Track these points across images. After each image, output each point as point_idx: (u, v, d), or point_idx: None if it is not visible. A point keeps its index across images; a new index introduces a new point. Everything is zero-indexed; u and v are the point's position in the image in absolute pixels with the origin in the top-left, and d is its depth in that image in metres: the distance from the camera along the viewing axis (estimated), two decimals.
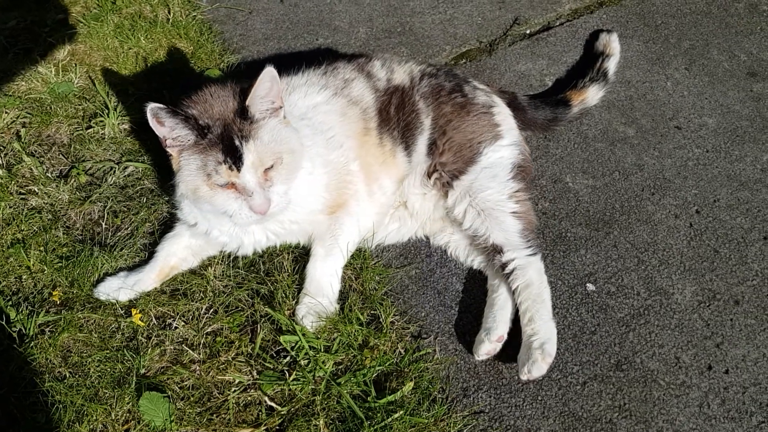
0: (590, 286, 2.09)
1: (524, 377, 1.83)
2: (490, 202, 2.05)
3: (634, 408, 1.82)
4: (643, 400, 1.84)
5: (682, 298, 2.05)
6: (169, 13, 3.01)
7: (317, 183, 1.96)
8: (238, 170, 1.72)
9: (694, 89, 2.68)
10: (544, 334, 1.86)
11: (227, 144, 1.72)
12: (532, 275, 1.97)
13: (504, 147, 2.13)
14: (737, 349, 1.94)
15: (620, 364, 1.91)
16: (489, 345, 1.88)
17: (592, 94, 2.53)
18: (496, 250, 2.02)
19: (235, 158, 1.71)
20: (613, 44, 2.69)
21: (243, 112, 1.75)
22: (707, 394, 1.85)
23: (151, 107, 1.70)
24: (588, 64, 2.66)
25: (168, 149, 1.79)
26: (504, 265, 2.00)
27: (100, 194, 2.27)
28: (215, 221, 1.92)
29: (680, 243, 2.19)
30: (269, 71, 1.73)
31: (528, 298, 1.93)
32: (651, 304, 2.04)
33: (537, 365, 1.80)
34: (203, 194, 1.78)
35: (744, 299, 2.04)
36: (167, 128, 1.74)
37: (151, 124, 1.73)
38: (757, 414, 1.81)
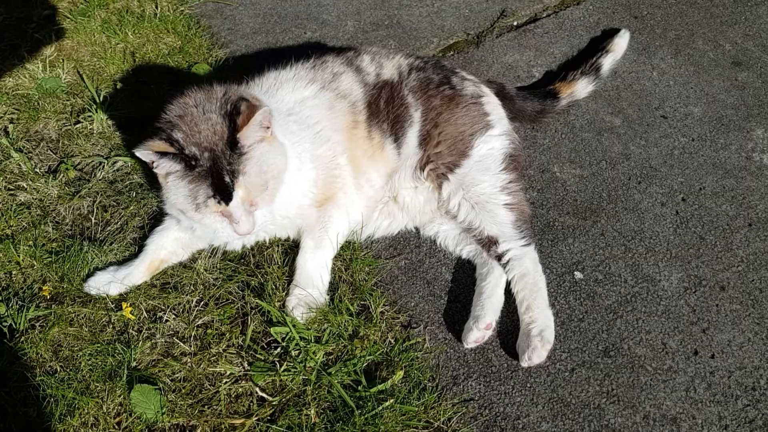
0: (578, 274, 2.11)
1: (525, 364, 1.86)
2: (483, 196, 2.06)
3: (622, 393, 1.84)
4: (630, 385, 1.86)
5: (668, 285, 2.07)
6: (156, 7, 3.01)
7: (305, 178, 1.97)
8: (227, 204, 1.74)
9: (680, 79, 2.70)
10: (542, 322, 1.89)
11: (216, 179, 1.72)
12: (527, 265, 1.99)
13: (495, 137, 2.15)
14: (723, 334, 1.96)
15: (608, 351, 1.93)
16: (477, 333, 1.90)
17: (581, 88, 2.54)
18: (491, 242, 2.04)
19: (224, 194, 1.73)
20: (617, 41, 2.69)
21: (233, 145, 1.74)
22: (693, 379, 1.87)
23: (141, 153, 1.72)
24: (584, 57, 2.68)
25: (154, 170, 1.80)
26: (500, 256, 2.02)
27: (89, 189, 2.27)
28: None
29: (666, 230, 2.21)
30: (264, 111, 1.72)
31: (525, 288, 1.96)
32: (638, 291, 2.06)
33: (537, 352, 1.83)
34: (190, 215, 1.81)
35: (729, 285, 2.07)
36: (154, 157, 1.74)
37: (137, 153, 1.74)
38: (743, 397, 1.83)
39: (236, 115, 1.74)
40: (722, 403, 1.83)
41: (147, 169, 2.30)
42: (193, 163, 1.73)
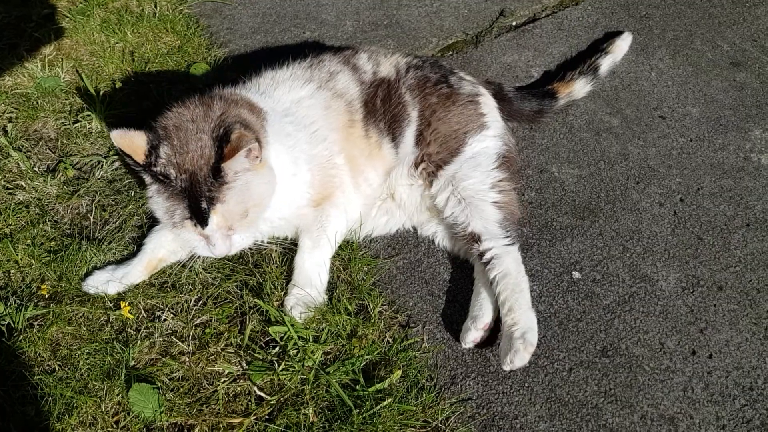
0: (576, 274, 2.11)
1: (506, 367, 1.82)
2: (472, 191, 2.05)
3: (620, 393, 1.85)
4: (628, 385, 1.86)
5: (666, 285, 2.07)
6: (155, 7, 3.01)
7: (301, 181, 1.97)
8: (203, 228, 1.75)
9: (678, 79, 2.70)
10: (524, 324, 1.85)
11: (193, 202, 1.73)
12: (509, 265, 1.96)
13: (489, 138, 2.15)
14: (720, 334, 1.96)
15: (606, 351, 1.93)
16: (475, 333, 1.90)
17: (579, 88, 2.54)
18: (474, 239, 2.02)
19: (200, 218, 1.73)
20: (617, 42, 2.69)
21: (216, 172, 1.72)
22: (691, 379, 1.87)
23: (115, 135, 1.75)
24: (583, 58, 2.68)
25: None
26: (482, 254, 2.00)
27: (87, 188, 2.27)
28: None
29: (664, 231, 2.21)
30: (251, 144, 1.70)
31: (506, 288, 1.92)
32: (636, 291, 2.06)
33: (519, 355, 1.79)
34: (169, 226, 1.82)
35: (727, 285, 2.07)
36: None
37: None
38: (740, 397, 1.84)
39: (225, 143, 1.71)
40: (720, 403, 1.83)
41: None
42: (175, 180, 1.73)
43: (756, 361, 1.90)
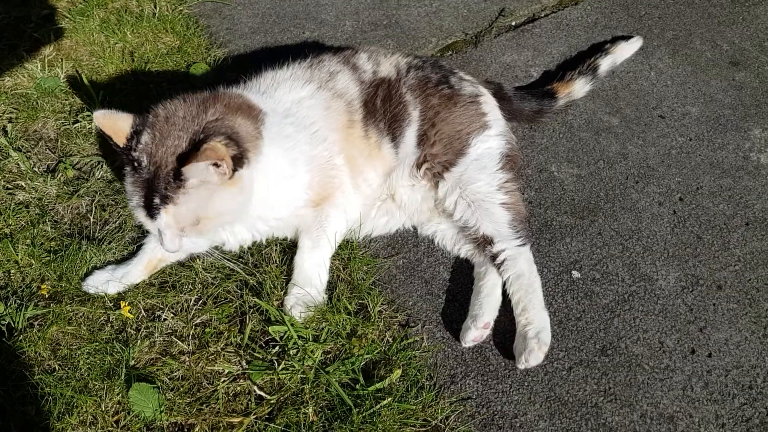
0: (576, 274, 2.11)
1: (522, 366, 1.85)
2: (480, 194, 2.06)
3: (619, 392, 1.85)
4: (627, 384, 1.86)
5: (665, 284, 2.08)
6: (155, 7, 3.01)
7: (299, 183, 1.96)
8: (151, 220, 1.76)
9: (678, 79, 2.70)
10: (538, 323, 1.88)
11: (149, 194, 1.74)
12: (522, 266, 1.99)
13: (492, 137, 2.15)
14: (720, 333, 1.97)
15: (605, 350, 1.94)
16: (476, 332, 1.90)
17: (579, 87, 2.55)
18: (486, 241, 2.04)
19: (150, 212, 1.74)
20: (621, 44, 2.69)
21: (177, 173, 1.72)
22: (691, 378, 1.88)
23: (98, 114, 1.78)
24: (582, 57, 2.69)
25: None
26: (494, 256, 2.02)
27: (87, 188, 2.27)
28: None
29: (664, 230, 2.21)
30: (217, 162, 1.69)
31: (520, 289, 1.95)
32: (635, 290, 2.06)
33: (534, 354, 1.82)
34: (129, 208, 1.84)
35: (726, 284, 2.07)
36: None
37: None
38: (740, 396, 1.84)
39: (195, 150, 1.70)
40: (719, 401, 1.83)
41: None
42: (141, 167, 1.75)
43: (755, 360, 1.91)
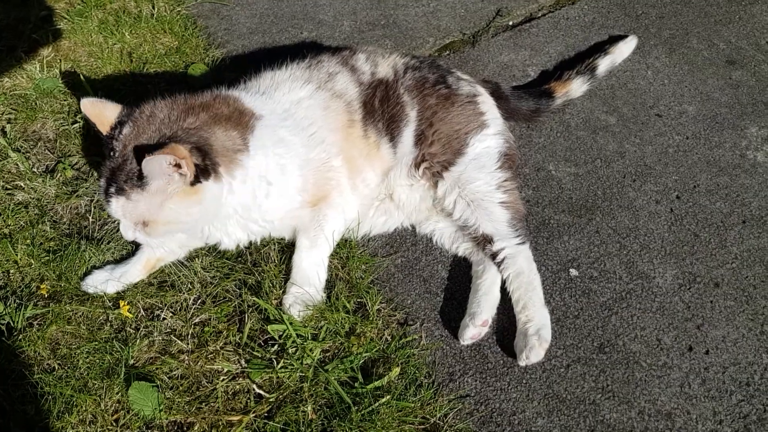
0: (573, 272, 2.12)
1: (523, 363, 1.87)
2: (479, 194, 2.07)
3: (617, 389, 1.86)
4: (625, 381, 1.87)
5: (663, 282, 2.08)
6: (153, 8, 3.02)
7: (289, 188, 1.96)
8: (107, 206, 1.78)
9: (675, 77, 2.72)
10: (539, 321, 1.90)
11: (109, 183, 1.76)
12: (522, 264, 2.00)
13: (490, 136, 2.16)
14: (717, 330, 1.98)
15: (603, 347, 1.94)
16: (474, 329, 1.91)
17: (576, 87, 2.56)
18: (486, 240, 2.05)
19: (106, 196, 1.77)
20: (619, 44, 2.71)
21: (141, 175, 1.72)
22: (688, 375, 1.89)
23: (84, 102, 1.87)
24: (581, 57, 2.70)
25: None
26: (494, 255, 2.03)
27: (86, 188, 2.28)
28: None
29: (661, 228, 2.22)
30: (180, 173, 1.70)
31: (520, 287, 1.97)
32: (633, 288, 2.07)
33: (535, 351, 1.84)
34: None
35: (724, 282, 2.08)
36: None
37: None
38: (737, 393, 1.85)
39: (156, 147, 1.70)
40: (717, 398, 1.84)
41: None
42: (110, 153, 1.79)
43: (753, 357, 1.92)
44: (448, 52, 2.89)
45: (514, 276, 1.99)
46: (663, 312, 2.02)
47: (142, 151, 1.70)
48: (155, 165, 1.68)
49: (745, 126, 2.53)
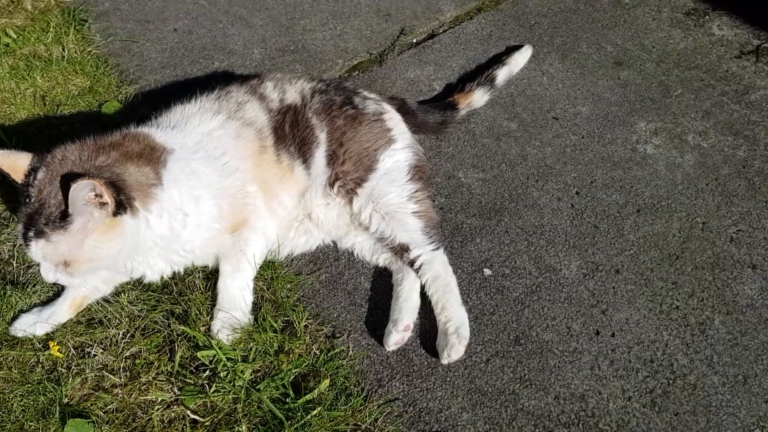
0: (487, 271, 2.24)
1: (445, 361, 1.97)
2: (392, 206, 2.18)
3: (534, 377, 1.98)
4: (540, 369, 2.00)
5: (569, 273, 2.23)
6: (63, 50, 3.03)
7: (205, 217, 2.00)
8: (28, 250, 1.81)
9: (568, 81, 2.90)
10: (457, 320, 2.01)
11: (28, 227, 1.78)
12: (438, 268, 2.12)
13: (398, 151, 2.27)
14: (621, 314, 2.12)
15: (518, 339, 2.07)
16: (397, 335, 2.01)
17: (478, 98, 2.71)
18: (403, 249, 2.16)
19: (26, 240, 1.80)
20: (515, 55, 2.87)
21: (64, 215, 1.75)
22: (597, 357, 2.02)
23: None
24: (481, 69, 2.86)
25: None
26: (412, 262, 2.14)
27: (8, 234, 2.29)
28: None
29: (564, 223, 2.37)
30: (88, 195, 1.73)
31: (438, 290, 2.08)
32: (542, 282, 2.21)
33: (455, 348, 1.95)
34: None
35: (623, 268, 2.24)
36: None
37: None
38: (642, 370, 1.99)
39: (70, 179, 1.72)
40: (624, 377, 1.98)
41: None
42: (27, 200, 1.82)
43: (654, 335, 2.07)
44: (357, 72, 3.00)
45: (432, 280, 2.10)
46: (570, 301, 2.16)
47: (65, 186, 1.72)
48: (81, 193, 1.71)
49: (634, 122, 2.72)
